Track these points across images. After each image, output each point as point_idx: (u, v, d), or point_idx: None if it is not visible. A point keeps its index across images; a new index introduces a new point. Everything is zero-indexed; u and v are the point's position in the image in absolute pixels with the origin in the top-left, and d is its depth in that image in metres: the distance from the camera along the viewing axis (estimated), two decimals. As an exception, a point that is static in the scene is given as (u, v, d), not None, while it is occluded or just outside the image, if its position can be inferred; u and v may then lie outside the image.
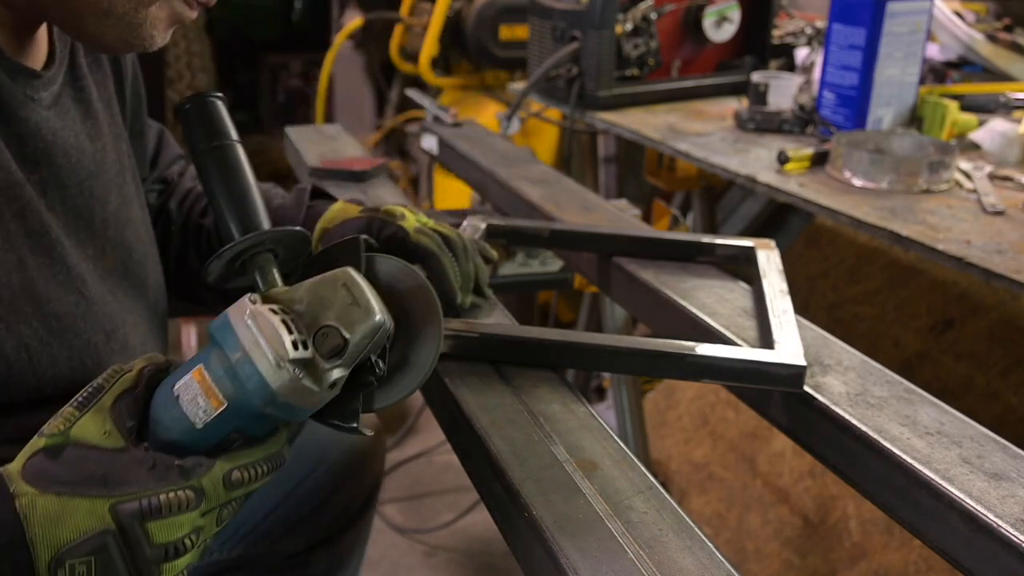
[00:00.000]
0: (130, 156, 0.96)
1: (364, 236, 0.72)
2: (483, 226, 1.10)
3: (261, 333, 0.59)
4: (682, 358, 0.81)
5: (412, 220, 0.92)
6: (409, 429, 2.59)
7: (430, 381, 0.74)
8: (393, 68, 3.46)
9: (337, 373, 0.62)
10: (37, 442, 0.60)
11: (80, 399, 0.61)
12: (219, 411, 0.60)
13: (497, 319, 0.94)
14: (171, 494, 0.58)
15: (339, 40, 3.34)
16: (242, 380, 0.59)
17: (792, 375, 0.79)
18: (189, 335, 2.56)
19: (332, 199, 1.03)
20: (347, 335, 0.62)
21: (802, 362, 0.79)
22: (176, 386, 0.61)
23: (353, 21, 3.34)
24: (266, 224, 0.70)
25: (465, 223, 1.10)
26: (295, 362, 0.59)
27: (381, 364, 0.66)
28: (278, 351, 0.59)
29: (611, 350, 0.83)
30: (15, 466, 0.59)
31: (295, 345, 0.60)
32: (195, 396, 0.60)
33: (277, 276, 0.67)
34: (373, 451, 1.32)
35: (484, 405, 0.78)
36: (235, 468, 0.61)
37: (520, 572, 0.68)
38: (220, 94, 0.73)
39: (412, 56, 3.10)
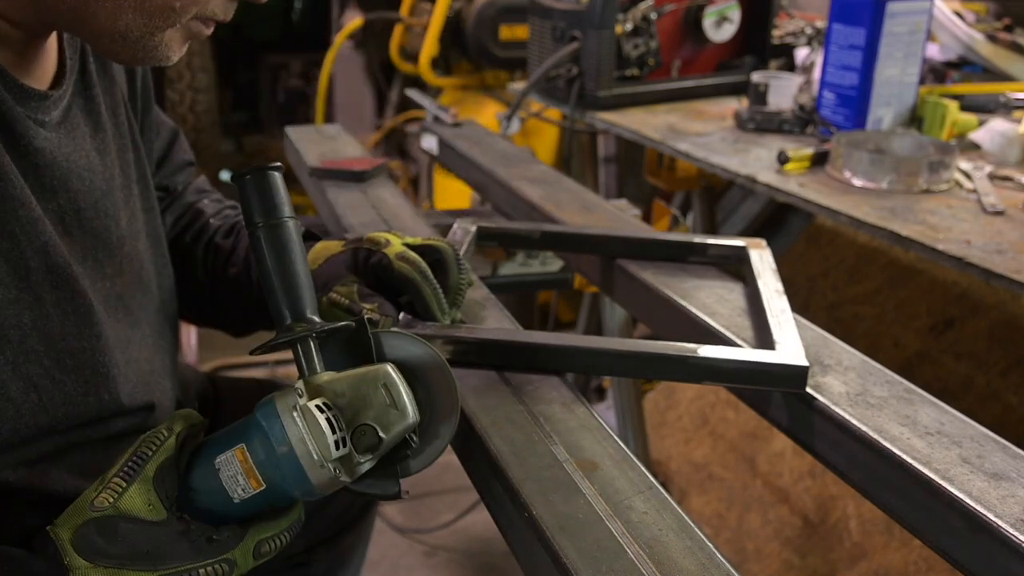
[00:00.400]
0: (137, 161, 0.95)
1: (368, 316, 0.74)
2: (473, 229, 1.09)
3: (308, 432, 0.64)
4: (685, 361, 0.81)
5: (396, 246, 0.89)
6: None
7: None
8: (393, 68, 3.47)
9: (367, 466, 0.68)
10: (87, 512, 0.64)
11: (125, 469, 0.66)
12: (257, 491, 0.65)
13: (498, 322, 0.94)
14: (208, 568, 0.64)
15: (339, 40, 3.34)
16: (284, 471, 0.64)
17: (795, 376, 0.79)
18: (189, 335, 2.56)
19: (318, 238, 1.00)
20: (383, 435, 0.67)
21: (804, 362, 0.79)
22: (217, 460, 0.66)
23: (353, 21, 3.34)
24: (313, 310, 0.72)
25: (455, 226, 1.09)
26: (334, 460, 0.64)
27: (415, 438, 0.70)
28: (323, 452, 0.64)
29: (613, 354, 0.83)
30: (66, 535, 0.63)
31: (337, 445, 0.64)
32: (235, 474, 0.65)
33: (318, 361, 0.70)
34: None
35: (484, 405, 0.78)
36: (264, 540, 0.67)
37: (520, 572, 0.68)
38: (279, 164, 0.74)
39: (412, 56, 3.10)
